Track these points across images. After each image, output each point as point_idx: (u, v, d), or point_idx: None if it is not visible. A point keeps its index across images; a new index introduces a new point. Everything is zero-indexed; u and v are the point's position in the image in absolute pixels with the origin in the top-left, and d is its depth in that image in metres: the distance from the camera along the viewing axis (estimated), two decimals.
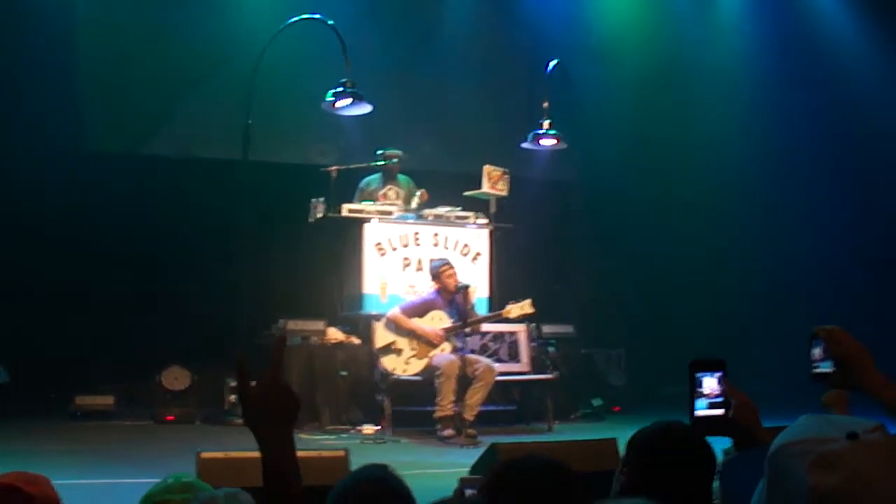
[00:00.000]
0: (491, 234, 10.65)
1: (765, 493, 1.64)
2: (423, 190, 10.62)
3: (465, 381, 8.92)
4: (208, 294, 10.82)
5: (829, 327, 2.40)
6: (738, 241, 12.62)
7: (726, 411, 2.58)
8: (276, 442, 2.01)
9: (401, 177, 10.85)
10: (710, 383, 2.60)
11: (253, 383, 2.04)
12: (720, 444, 2.66)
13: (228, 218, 10.50)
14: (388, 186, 10.76)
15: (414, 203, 10.56)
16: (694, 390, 2.61)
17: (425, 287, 9.89)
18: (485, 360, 9.24)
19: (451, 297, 9.38)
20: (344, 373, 9.83)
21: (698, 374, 2.61)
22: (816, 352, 2.41)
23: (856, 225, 11.95)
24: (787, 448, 1.62)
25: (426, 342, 9.28)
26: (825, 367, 2.39)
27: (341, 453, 4.50)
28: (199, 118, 11.58)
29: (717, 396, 2.60)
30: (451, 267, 9.49)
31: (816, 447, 1.58)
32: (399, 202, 10.60)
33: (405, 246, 10.34)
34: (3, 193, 10.42)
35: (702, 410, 2.61)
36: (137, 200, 11.02)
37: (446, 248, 10.43)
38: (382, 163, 10.66)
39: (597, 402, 10.71)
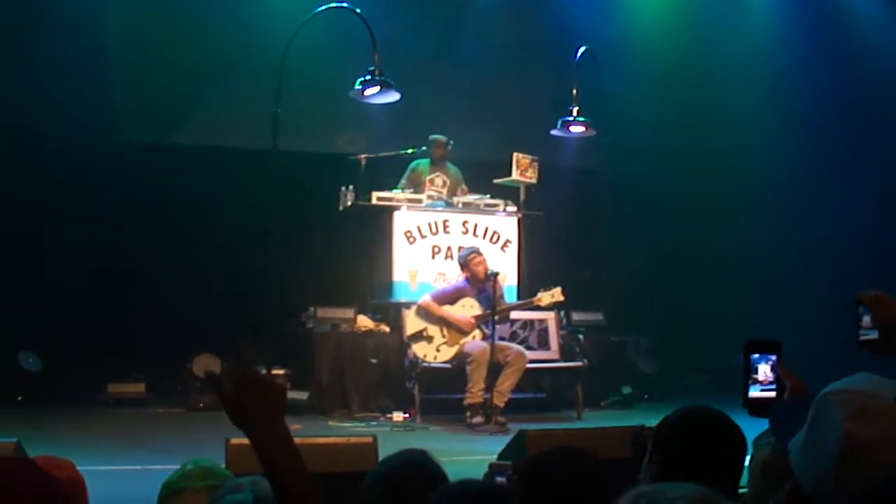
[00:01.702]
0: (520, 221, 10.62)
1: (803, 435, 1.63)
2: (463, 186, 10.65)
3: (495, 369, 8.88)
4: (238, 282, 10.86)
5: (873, 293, 2.35)
6: (768, 225, 12.44)
7: (779, 394, 2.50)
8: (266, 437, 1.94)
9: (451, 166, 10.86)
10: (763, 369, 2.52)
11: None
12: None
13: (258, 207, 10.49)
14: (437, 173, 10.77)
15: (458, 196, 10.57)
16: (748, 373, 2.52)
17: (455, 275, 9.87)
18: (515, 347, 9.24)
19: (481, 284, 9.33)
20: (373, 360, 9.85)
21: (753, 357, 2.53)
22: (863, 319, 2.36)
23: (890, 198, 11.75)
24: (833, 395, 1.61)
25: (457, 329, 9.26)
26: (871, 334, 2.34)
27: (369, 440, 4.47)
28: (228, 107, 11.59)
29: (770, 383, 2.51)
30: (480, 255, 9.42)
31: (862, 400, 1.56)
32: (444, 191, 10.60)
33: (434, 234, 10.31)
34: (37, 184, 10.46)
35: (754, 392, 2.52)
36: (168, 190, 11.08)
37: (475, 236, 10.39)
38: (411, 150, 10.64)
39: (626, 389, 10.70)
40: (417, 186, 10.58)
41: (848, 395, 1.61)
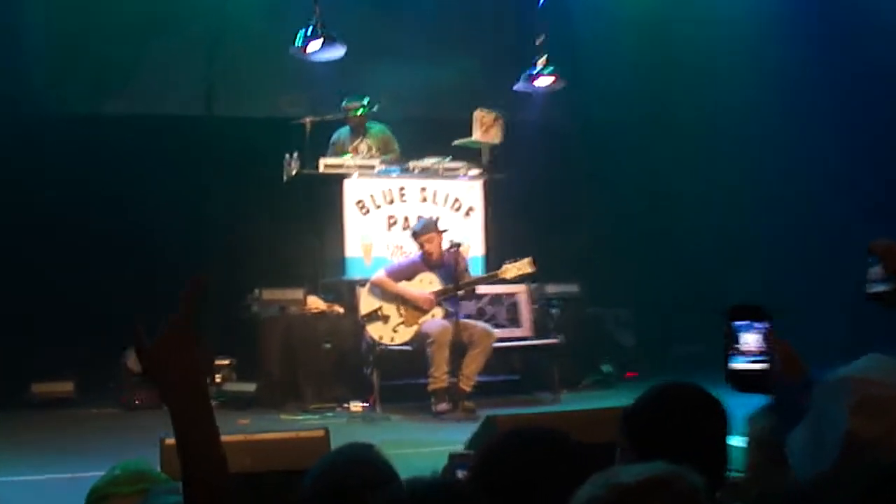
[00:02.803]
0: (484, 185, 10.61)
1: (804, 425, 1.60)
2: (392, 153, 10.62)
3: (460, 349, 8.87)
4: (174, 263, 10.75)
5: (884, 242, 2.33)
6: (757, 182, 12.48)
7: (770, 367, 2.43)
8: (186, 406, 1.88)
9: (372, 126, 10.79)
10: (748, 339, 2.45)
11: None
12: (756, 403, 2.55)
13: (194, 180, 10.45)
14: (359, 139, 10.72)
15: (388, 158, 10.54)
16: (730, 344, 2.46)
17: (414, 247, 9.82)
18: (481, 324, 9.22)
19: (440, 259, 9.30)
20: (327, 345, 9.81)
21: (736, 325, 2.47)
22: (873, 271, 2.34)
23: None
24: (837, 383, 1.57)
25: (415, 307, 9.21)
26: (881, 286, 2.33)
27: (320, 433, 4.43)
28: (157, 72, 11.51)
29: (757, 354, 2.44)
30: (433, 232, 9.33)
31: (868, 389, 1.53)
32: (372, 156, 10.54)
33: (390, 203, 10.29)
34: None
35: (738, 364, 2.46)
36: (92, 165, 10.90)
37: (435, 204, 10.38)
38: (361, 112, 10.59)
39: (606, 368, 10.70)
40: None
41: (854, 382, 1.57)
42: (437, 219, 9.72)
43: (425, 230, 9.35)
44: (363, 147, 10.66)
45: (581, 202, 12.45)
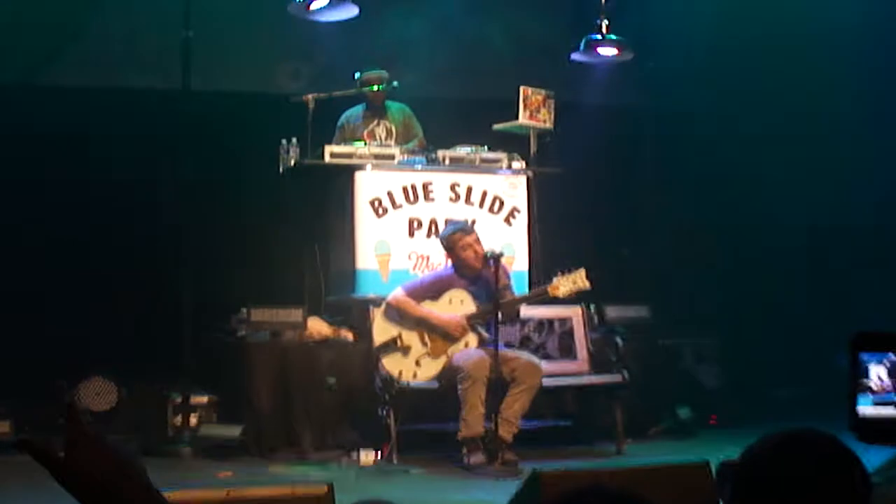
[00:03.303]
0: (530, 182, 10.60)
1: None
2: (417, 139, 10.69)
3: (499, 387, 8.81)
4: (141, 275, 10.76)
5: None
6: (873, 181, 12.35)
7: None
8: None
9: (392, 106, 10.87)
10: (878, 371, 2.41)
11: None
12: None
13: (166, 171, 10.43)
14: (375, 121, 10.80)
15: (412, 145, 10.62)
16: (856, 380, 2.42)
17: (443, 256, 9.76)
18: (526, 356, 9.21)
19: (476, 272, 9.24)
20: (332, 380, 9.82)
21: (864, 356, 2.43)
22: None
23: None
24: None
25: (443, 335, 9.20)
26: None
27: (322, 489, 4.39)
28: (122, 34, 11.57)
29: (889, 391, 2.41)
30: (470, 233, 9.31)
31: None
32: (392, 143, 10.57)
33: (412, 202, 10.28)
34: None
35: (867, 407, 2.42)
36: (38, 149, 10.94)
37: (469, 204, 10.38)
38: (382, 87, 10.60)
39: (684, 411, 10.70)
40: None
41: None
42: (473, 221, 9.71)
43: (459, 232, 9.29)
44: (381, 131, 10.72)
45: (652, 204, 12.44)
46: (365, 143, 10.35)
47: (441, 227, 10.01)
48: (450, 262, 9.46)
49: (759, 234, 12.44)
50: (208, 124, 10.10)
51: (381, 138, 10.64)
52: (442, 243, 9.49)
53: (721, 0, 12.38)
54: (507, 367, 8.88)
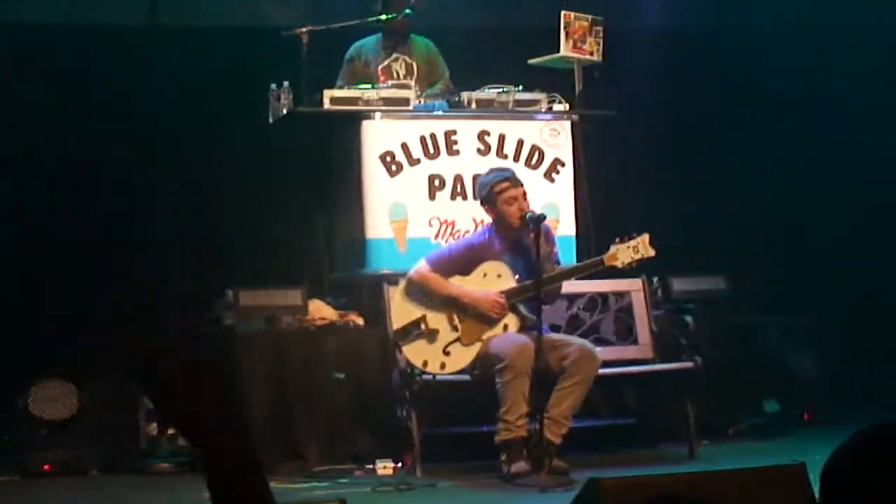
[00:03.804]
0: (575, 127, 10.59)
1: None
2: (442, 81, 10.72)
3: (545, 380, 8.82)
4: (106, 250, 10.80)
5: None
6: None
7: None
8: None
9: (416, 39, 10.90)
10: None
11: None
12: None
13: (131, 121, 10.47)
14: (394, 56, 10.80)
15: (437, 89, 10.64)
16: None
17: (470, 222, 9.78)
18: (578, 341, 9.19)
19: (516, 235, 9.23)
20: (340, 375, 9.85)
21: None
22: None
23: None
24: None
25: (477, 316, 9.16)
26: None
27: None
28: None
29: None
30: (515, 184, 9.22)
31: None
32: (412, 83, 10.54)
33: (433, 156, 10.30)
34: None
35: None
36: None
37: (502, 157, 10.37)
38: (385, 17, 10.59)
39: (771, 406, 10.75)
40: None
41: None
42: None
43: (503, 181, 9.16)
44: (399, 67, 10.78)
45: (727, 154, 12.41)
46: (373, 86, 10.35)
47: (468, 185, 10.04)
48: (486, 224, 9.43)
49: (862, 187, 12.43)
50: (182, 66, 10.15)
51: (399, 76, 10.66)
52: (480, 193, 9.35)
53: None
54: (555, 356, 8.86)
